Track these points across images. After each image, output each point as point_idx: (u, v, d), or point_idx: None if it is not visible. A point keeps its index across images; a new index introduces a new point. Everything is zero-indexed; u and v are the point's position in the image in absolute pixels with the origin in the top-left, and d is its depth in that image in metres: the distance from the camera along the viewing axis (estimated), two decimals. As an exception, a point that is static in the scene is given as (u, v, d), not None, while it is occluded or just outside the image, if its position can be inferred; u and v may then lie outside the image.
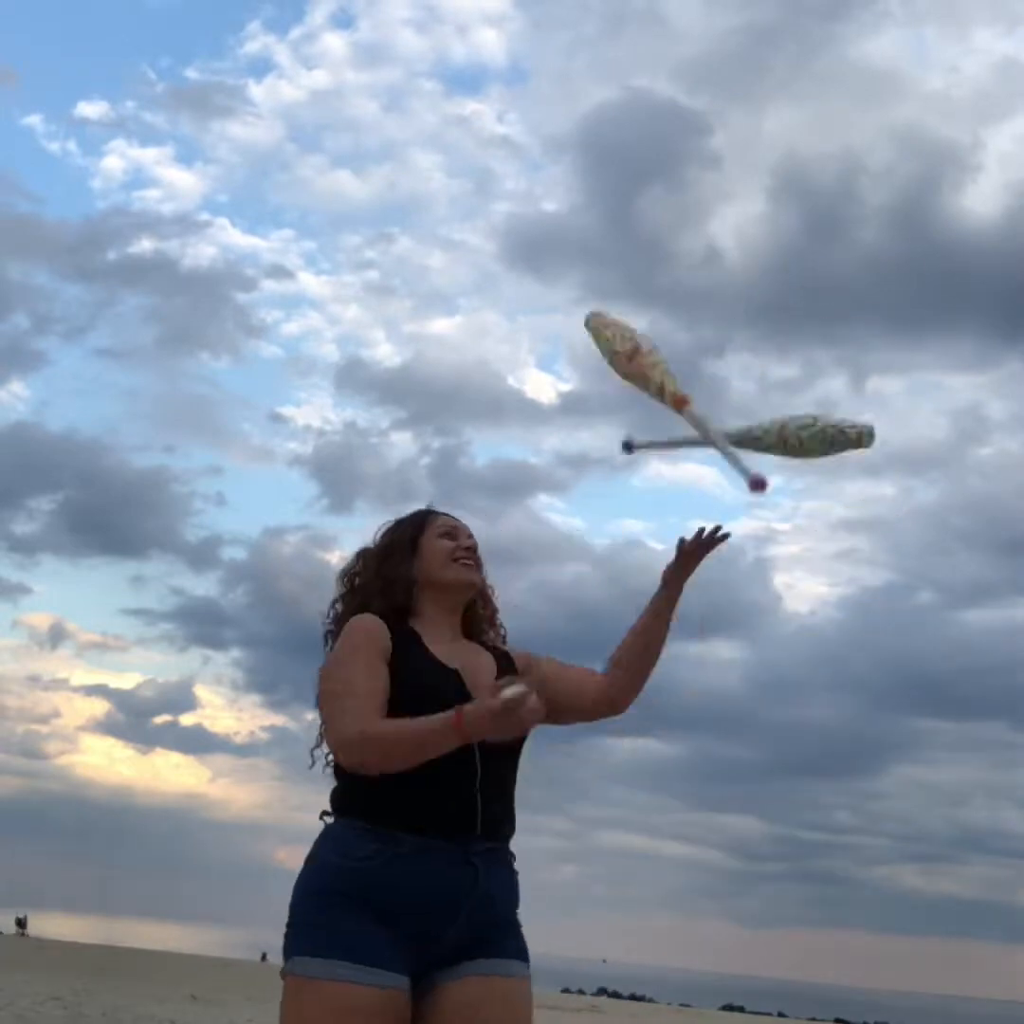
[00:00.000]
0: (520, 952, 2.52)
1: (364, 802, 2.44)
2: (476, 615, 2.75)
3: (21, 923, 42.38)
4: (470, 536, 2.73)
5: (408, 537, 2.69)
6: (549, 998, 28.01)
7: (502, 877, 2.51)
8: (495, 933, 2.48)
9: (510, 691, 2.22)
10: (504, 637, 2.78)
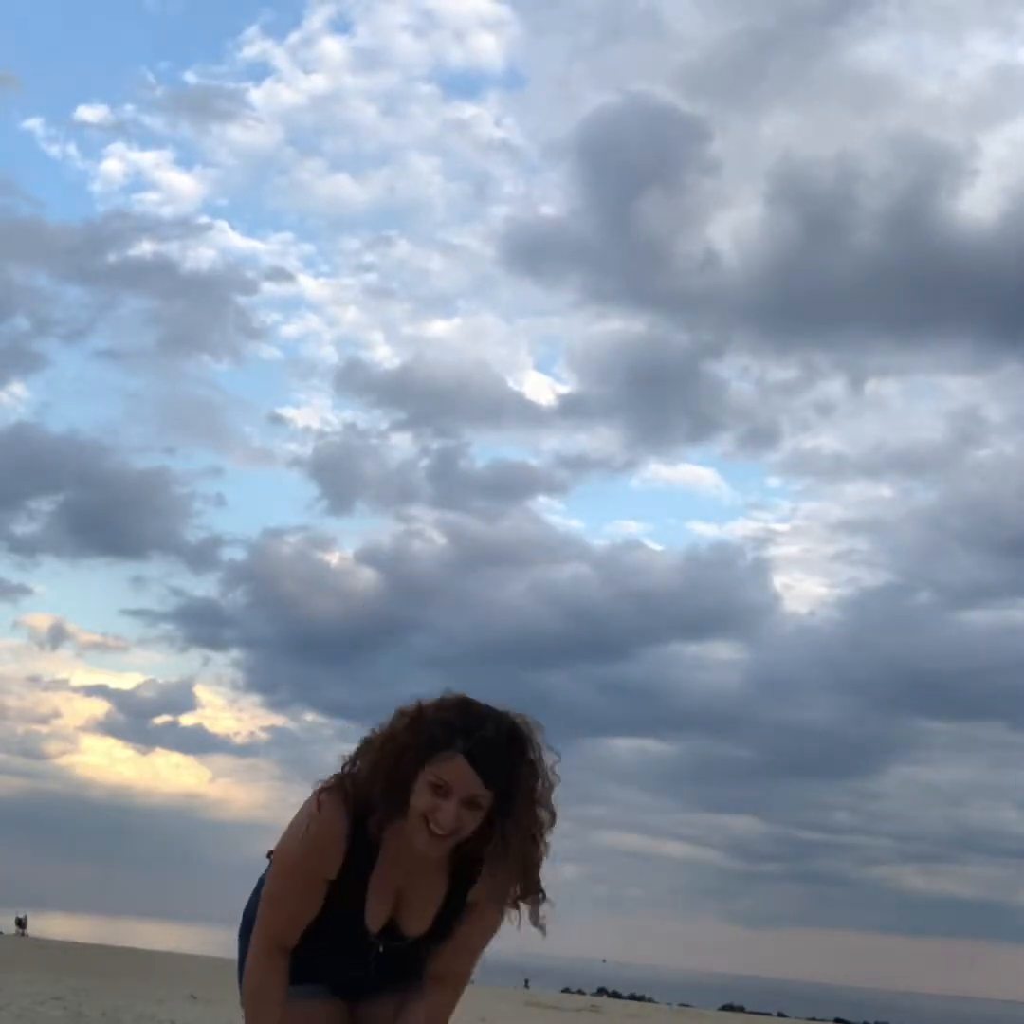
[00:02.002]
0: None
1: None
2: (470, 857, 2.43)
3: (21, 923, 42.34)
4: (472, 801, 2.29)
5: (413, 761, 2.35)
6: (549, 998, 28.02)
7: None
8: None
9: None
10: (537, 893, 2.42)
